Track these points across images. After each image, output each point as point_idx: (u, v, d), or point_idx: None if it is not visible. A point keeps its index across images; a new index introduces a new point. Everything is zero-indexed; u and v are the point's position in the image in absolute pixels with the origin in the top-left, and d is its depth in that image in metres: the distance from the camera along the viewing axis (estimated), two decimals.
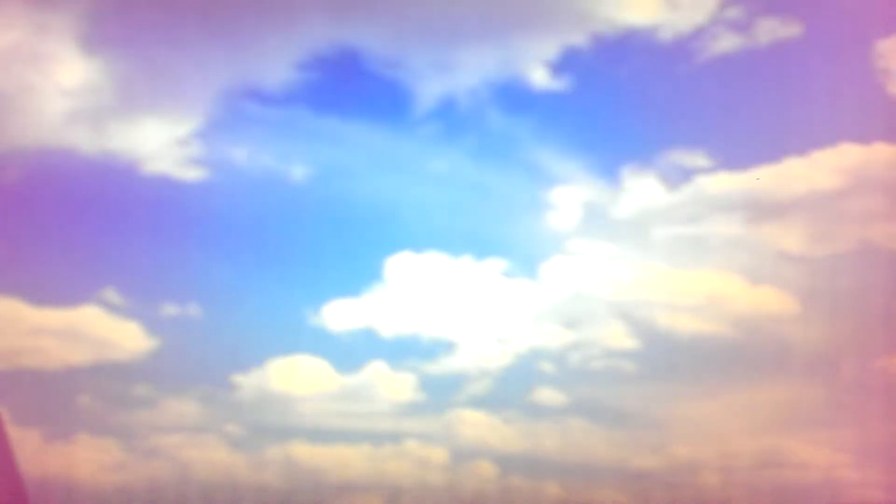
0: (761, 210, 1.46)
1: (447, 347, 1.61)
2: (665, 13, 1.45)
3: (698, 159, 1.45)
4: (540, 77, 1.48)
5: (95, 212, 1.66)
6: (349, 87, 1.57)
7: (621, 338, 1.56)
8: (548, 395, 1.60)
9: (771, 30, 1.42)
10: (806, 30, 1.46)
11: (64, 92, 1.54)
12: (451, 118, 1.51)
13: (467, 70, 1.49)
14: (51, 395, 1.76)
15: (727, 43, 1.42)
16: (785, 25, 1.43)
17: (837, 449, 1.69)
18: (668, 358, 1.58)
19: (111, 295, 1.66)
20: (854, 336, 1.66)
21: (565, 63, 1.49)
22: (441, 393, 1.64)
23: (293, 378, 1.68)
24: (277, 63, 1.55)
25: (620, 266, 1.48)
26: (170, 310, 1.65)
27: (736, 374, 1.64)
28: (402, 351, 1.63)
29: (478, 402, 1.66)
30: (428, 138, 1.51)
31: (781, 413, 1.73)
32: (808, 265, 1.53)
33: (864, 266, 1.58)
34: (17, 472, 1.79)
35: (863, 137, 1.47)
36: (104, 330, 1.71)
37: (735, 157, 1.46)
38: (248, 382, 1.67)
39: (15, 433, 1.80)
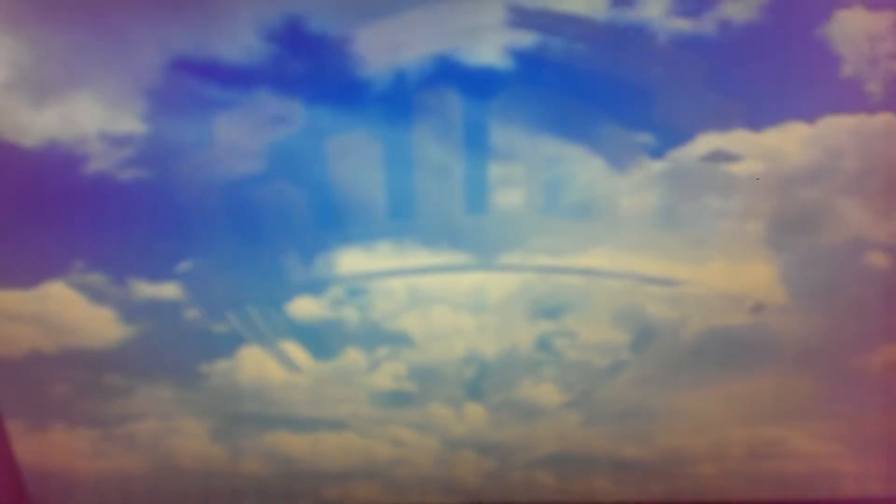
0: (734, 193, 1.44)
1: (425, 337, 1.56)
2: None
3: (666, 141, 1.42)
4: (493, 57, 1.44)
5: (39, 200, 1.56)
6: (298, 66, 1.49)
7: (603, 327, 1.53)
8: (534, 385, 1.57)
9: (724, 14, 1.40)
10: (758, 14, 1.46)
11: None
12: (403, 99, 1.45)
13: (417, 49, 1.43)
14: (20, 383, 1.67)
15: (680, 26, 1.41)
16: (738, 10, 1.43)
17: (830, 440, 1.67)
18: (654, 348, 1.56)
19: (77, 279, 1.58)
20: (842, 327, 1.65)
21: (519, 44, 1.45)
22: (423, 382, 1.59)
23: (268, 367, 1.61)
24: (225, 38, 1.45)
25: (593, 253, 1.44)
26: (141, 297, 1.56)
27: (723, 364, 1.62)
28: (378, 340, 1.58)
29: (462, 392, 1.61)
30: (380, 119, 1.45)
31: (772, 404, 1.70)
32: (792, 253, 1.52)
33: (853, 255, 1.58)
34: (15, 465, 1.70)
35: (814, 115, 1.47)
36: (71, 315, 1.60)
37: (697, 136, 1.43)
38: (222, 371, 1.59)
39: None
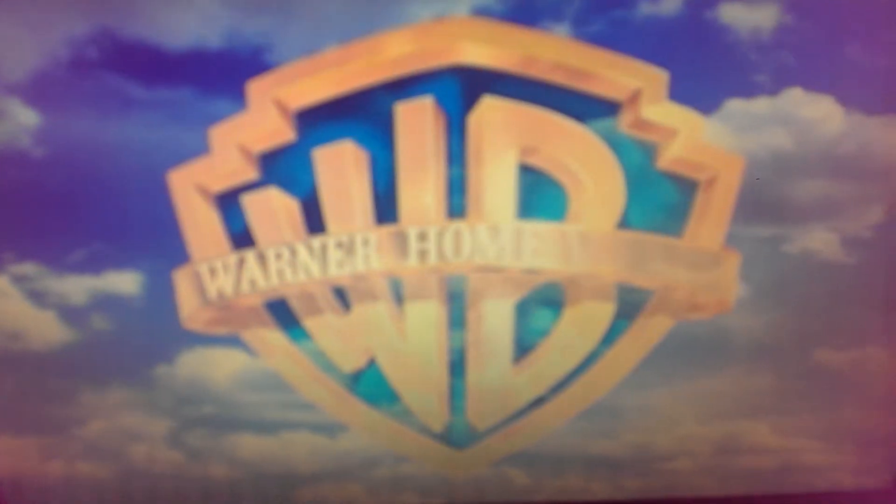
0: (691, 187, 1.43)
1: (396, 335, 1.55)
2: None
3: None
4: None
5: None
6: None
7: (571, 325, 1.54)
8: (508, 382, 1.58)
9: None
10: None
11: None
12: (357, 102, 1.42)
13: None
14: None
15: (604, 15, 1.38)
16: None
17: (794, 434, 1.69)
18: (621, 345, 1.57)
19: (14, 280, 1.49)
20: (804, 323, 1.64)
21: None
22: (395, 381, 1.57)
23: (231, 365, 1.58)
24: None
25: (556, 250, 1.44)
26: (83, 298, 1.48)
27: (685, 361, 1.62)
28: (351, 339, 1.57)
29: (434, 391, 1.60)
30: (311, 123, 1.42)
31: (738, 400, 1.71)
32: (751, 248, 1.51)
33: (812, 250, 1.55)
34: None
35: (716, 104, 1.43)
36: (10, 318, 1.54)
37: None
38: (171, 374, 1.54)
39: None
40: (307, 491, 1.85)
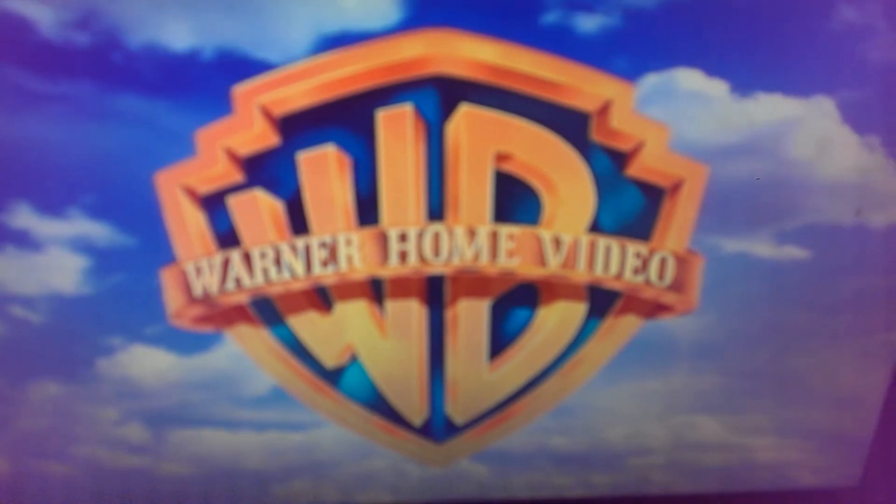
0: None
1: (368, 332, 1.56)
2: None
3: None
4: None
5: None
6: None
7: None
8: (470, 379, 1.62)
9: None
10: None
11: None
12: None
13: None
14: None
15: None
16: None
17: (753, 433, 1.71)
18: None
19: None
20: (753, 325, 1.65)
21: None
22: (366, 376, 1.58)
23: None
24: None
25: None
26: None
27: (639, 361, 1.63)
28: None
29: (405, 389, 1.60)
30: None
31: (690, 399, 1.71)
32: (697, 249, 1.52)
33: (757, 252, 1.55)
34: None
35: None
36: None
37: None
38: (115, 369, 1.50)
39: None
40: (271, 488, 1.87)
